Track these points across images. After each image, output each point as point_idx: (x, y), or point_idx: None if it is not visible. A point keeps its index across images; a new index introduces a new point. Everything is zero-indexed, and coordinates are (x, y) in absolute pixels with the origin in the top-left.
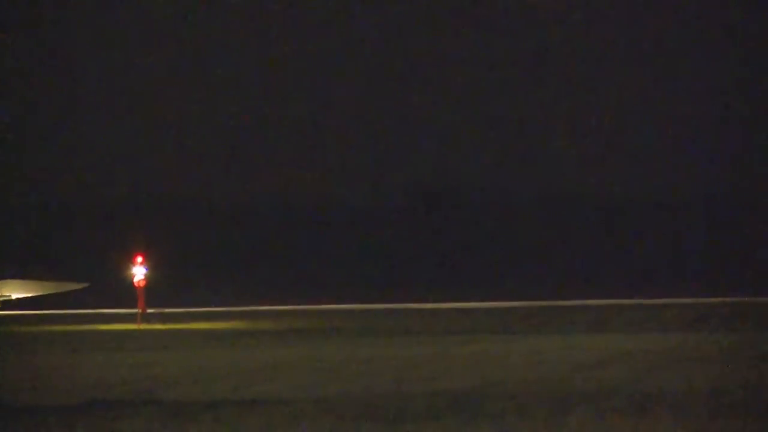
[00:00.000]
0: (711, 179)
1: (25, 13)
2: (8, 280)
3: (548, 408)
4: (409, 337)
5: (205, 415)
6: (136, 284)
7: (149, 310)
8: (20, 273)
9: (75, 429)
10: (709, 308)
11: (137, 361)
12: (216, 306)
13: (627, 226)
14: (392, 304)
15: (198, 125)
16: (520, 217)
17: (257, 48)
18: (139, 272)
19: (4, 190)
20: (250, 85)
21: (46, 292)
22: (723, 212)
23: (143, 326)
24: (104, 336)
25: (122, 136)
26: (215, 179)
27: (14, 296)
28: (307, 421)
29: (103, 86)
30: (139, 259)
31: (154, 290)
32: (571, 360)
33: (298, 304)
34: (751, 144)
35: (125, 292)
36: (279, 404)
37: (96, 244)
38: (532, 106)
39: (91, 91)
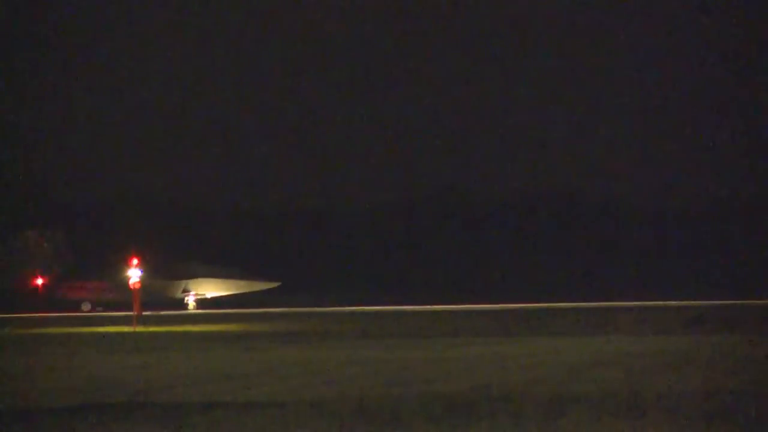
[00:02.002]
0: (709, 183)
1: (27, 13)
2: (203, 279)
3: (543, 410)
4: (404, 340)
5: (201, 417)
6: (131, 286)
7: (145, 313)
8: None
9: (71, 431)
10: (705, 311)
11: (133, 364)
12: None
13: (624, 230)
14: (387, 307)
15: (196, 127)
16: (518, 219)
17: (258, 48)
18: (134, 275)
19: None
20: (250, 85)
21: (239, 291)
22: (720, 216)
23: (139, 329)
24: (100, 338)
25: (122, 136)
26: (212, 181)
27: (209, 295)
28: (303, 424)
29: (104, 87)
30: (135, 261)
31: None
32: (567, 362)
33: (293, 307)
34: (749, 149)
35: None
36: (274, 406)
37: (93, 245)
38: (529, 108)
39: (93, 91)
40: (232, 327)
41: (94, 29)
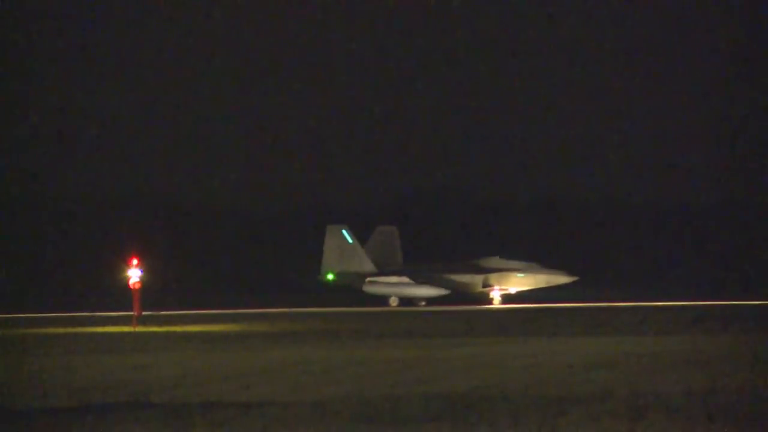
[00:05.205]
0: (708, 183)
1: (24, 11)
2: (503, 273)
3: (543, 411)
4: (404, 340)
5: (201, 417)
6: (131, 287)
7: (144, 313)
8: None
9: (71, 431)
10: (705, 310)
11: (133, 364)
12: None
13: (623, 229)
14: (387, 307)
15: (195, 127)
16: (517, 218)
17: (259, 46)
18: (134, 275)
19: None
20: (250, 84)
21: (539, 286)
22: (719, 215)
23: (139, 329)
24: (99, 339)
25: (121, 135)
26: (211, 181)
27: (512, 290)
28: (303, 424)
29: (105, 86)
30: (135, 261)
31: (149, 292)
32: (566, 363)
33: (293, 307)
34: (748, 150)
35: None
36: (274, 407)
37: (91, 246)
38: (531, 106)
39: (93, 90)
40: (231, 327)
41: (95, 26)
